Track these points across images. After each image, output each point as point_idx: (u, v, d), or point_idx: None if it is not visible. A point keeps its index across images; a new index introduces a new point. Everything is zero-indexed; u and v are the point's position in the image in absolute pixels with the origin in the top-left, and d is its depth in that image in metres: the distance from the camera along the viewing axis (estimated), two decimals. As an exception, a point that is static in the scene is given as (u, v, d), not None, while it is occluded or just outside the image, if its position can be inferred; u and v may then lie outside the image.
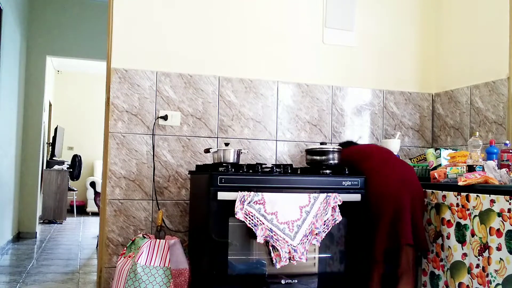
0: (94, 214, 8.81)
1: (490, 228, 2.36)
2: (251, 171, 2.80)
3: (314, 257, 2.79)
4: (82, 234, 6.71)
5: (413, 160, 3.38)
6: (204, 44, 3.28)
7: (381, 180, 2.77)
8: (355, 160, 2.98)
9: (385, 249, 2.71)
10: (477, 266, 2.44)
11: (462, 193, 2.57)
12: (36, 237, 6.19)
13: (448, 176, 2.81)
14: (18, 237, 6.04)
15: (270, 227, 2.58)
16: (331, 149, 2.95)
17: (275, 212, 2.61)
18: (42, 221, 7.60)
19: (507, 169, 2.60)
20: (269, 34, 3.41)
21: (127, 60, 3.13)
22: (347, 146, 3.21)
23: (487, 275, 2.37)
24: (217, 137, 3.27)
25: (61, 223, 7.76)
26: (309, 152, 3.02)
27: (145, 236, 2.88)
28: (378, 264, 2.75)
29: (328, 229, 2.70)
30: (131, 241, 2.85)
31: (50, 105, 8.86)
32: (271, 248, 2.58)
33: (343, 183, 2.79)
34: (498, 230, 2.32)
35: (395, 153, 3.25)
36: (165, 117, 3.16)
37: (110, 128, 3.09)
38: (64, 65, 9.32)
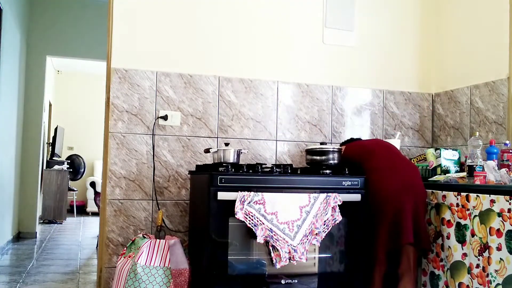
0: (94, 214, 8.81)
1: (490, 228, 2.36)
2: (251, 171, 2.80)
3: (314, 257, 2.79)
4: (82, 234, 6.71)
5: (413, 160, 3.38)
6: (204, 44, 3.28)
7: (382, 182, 2.76)
8: (358, 158, 2.97)
9: (387, 249, 2.71)
10: (477, 266, 2.44)
11: (462, 193, 2.57)
12: (36, 237, 6.19)
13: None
14: (18, 237, 6.04)
15: (270, 227, 2.58)
16: (331, 149, 2.96)
17: (275, 212, 2.60)
18: (42, 221, 7.60)
19: (507, 169, 2.60)
20: (269, 34, 3.41)
21: (127, 60, 3.13)
22: (350, 142, 3.21)
23: (487, 275, 2.37)
24: (217, 137, 3.27)
25: (61, 223, 7.76)
26: (309, 152, 3.02)
27: (145, 236, 2.88)
28: (380, 264, 2.76)
29: (328, 229, 2.70)
30: (131, 241, 2.85)
31: (50, 105, 8.86)
32: (271, 248, 2.58)
33: (343, 183, 2.78)
34: (498, 230, 2.32)
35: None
36: (165, 117, 3.16)
37: (110, 128, 3.09)
38: (64, 65, 9.32)
